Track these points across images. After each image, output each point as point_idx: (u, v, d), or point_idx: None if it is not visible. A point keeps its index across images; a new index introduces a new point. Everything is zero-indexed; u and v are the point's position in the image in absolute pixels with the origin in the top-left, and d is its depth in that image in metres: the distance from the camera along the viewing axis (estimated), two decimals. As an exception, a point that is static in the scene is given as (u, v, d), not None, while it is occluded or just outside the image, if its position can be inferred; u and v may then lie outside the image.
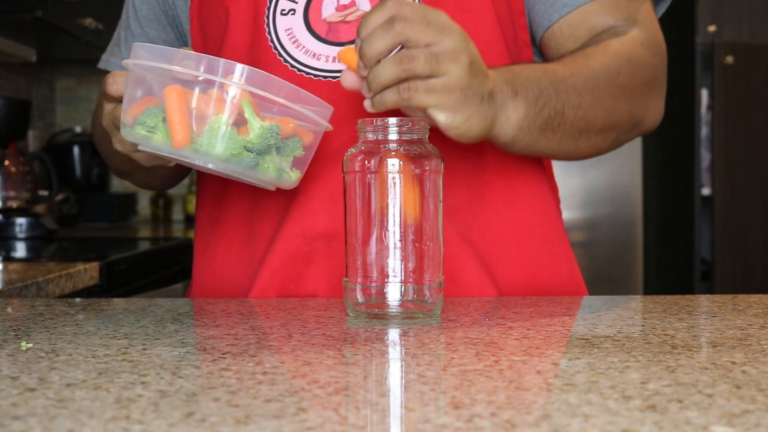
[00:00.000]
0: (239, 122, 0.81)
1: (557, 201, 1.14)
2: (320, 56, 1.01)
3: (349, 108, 0.98)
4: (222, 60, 0.80)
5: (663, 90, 1.05)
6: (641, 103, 1.01)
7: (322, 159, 0.99)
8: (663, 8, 1.12)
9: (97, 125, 1.19)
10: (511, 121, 0.88)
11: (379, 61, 0.80)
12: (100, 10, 2.75)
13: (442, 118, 0.82)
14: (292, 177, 0.86)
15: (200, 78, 0.80)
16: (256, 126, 0.81)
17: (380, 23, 0.80)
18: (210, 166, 0.82)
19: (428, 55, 0.79)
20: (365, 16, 0.81)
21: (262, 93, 0.81)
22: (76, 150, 3.19)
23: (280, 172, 0.85)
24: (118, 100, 0.89)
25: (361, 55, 0.81)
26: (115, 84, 0.88)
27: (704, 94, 3.61)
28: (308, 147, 0.87)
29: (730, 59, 3.49)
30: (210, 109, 0.80)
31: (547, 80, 0.91)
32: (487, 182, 1.03)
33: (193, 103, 0.80)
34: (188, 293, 1.15)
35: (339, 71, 0.99)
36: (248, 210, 1.06)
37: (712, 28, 3.55)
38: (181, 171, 1.15)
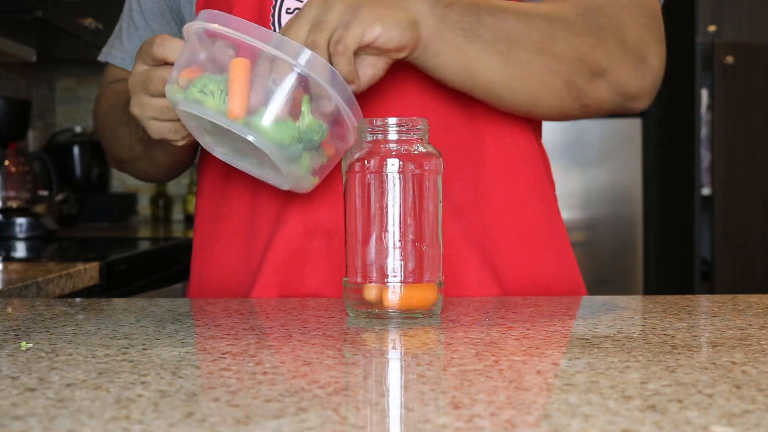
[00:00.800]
0: (293, 113, 0.82)
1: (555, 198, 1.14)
2: None
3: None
4: (296, 43, 0.81)
5: (644, 56, 0.99)
6: (600, 49, 0.96)
7: None
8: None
9: (100, 113, 1.19)
10: (421, 7, 0.88)
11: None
12: (100, 10, 2.76)
13: (377, 30, 0.85)
14: (313, 180, 0.88)
15: (273, 56, 0.80)
16: (308, 119, 0.82)
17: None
18: (251, 139, 0.81)
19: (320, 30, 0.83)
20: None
21: (328, 88, 0.82)
22: (76, 150, 3.19)
23: (308, 172, 0.86)
24: (158, 63, 0.88)
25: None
26: (162, 46, 0.87)
27: (704, 94, 3.61)
28: (332, 157, 0.87)
29: (730, 59, 3.49)
30: (274, 90, 0.80)
31: None
32: (490, 181, 1.03)
33: (258, 81, 0.81)
34: (187, 292, 1.15)
35: None
36: (248, 208, 1.06)
37: (712, 28, 3.55)
38: (182, 161, 1.14)
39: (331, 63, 0.84)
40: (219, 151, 0.91)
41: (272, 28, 1.03)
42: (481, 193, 1.03)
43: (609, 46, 0.97)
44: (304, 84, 0.81)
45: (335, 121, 0.84)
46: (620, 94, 0.99)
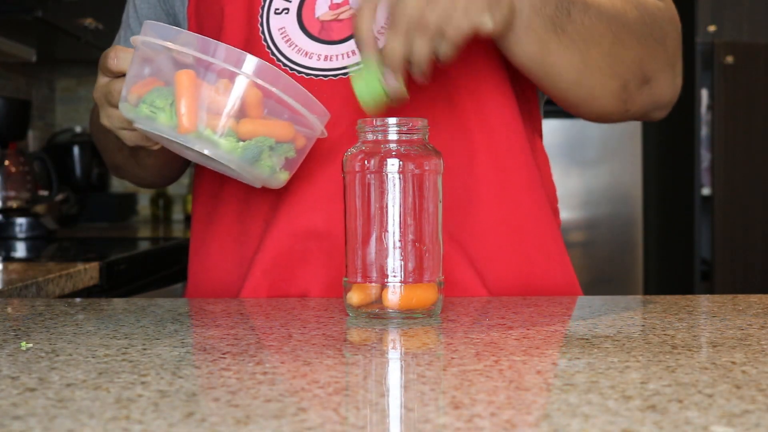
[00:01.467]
0: (239, 116, 0.82)
1: (554, 200, 1.13)
2: (312, 55, 1.02)
3: (341, 107, 0.98)
4: (237, 50, 0.81)
5: (676, 64, 1.03)
6: (650, 56, 0.99)
7: (313, 158, 0.99)
8: None
9: (93, 120, 1.19)
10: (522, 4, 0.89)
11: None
12: (100, 10, 2.76)
13: (488, 23, 0.84)
14: (281, 177, 0.88)
15: (215, 66, 0.80)
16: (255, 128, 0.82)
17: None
18: (206, 152, 0.82)
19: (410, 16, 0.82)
20: (358, 13, 0.83)
21: (273, 89, 0.81)
22: (76, 150, 3.19)
23: (273, 171, 0.86)
24: (116, 75, 0.89)
25: (360, 40, 0.84)
26: (116, 59, 0.88)
27: (704, 94, 3.61)
28: (300, 150, 0.87)
29: (730, 59, 3.49)
30: (221, 99, 0.81)
31: None
32: (479, 181, 1.03)
33: (204, 92, 0.81)
34: (185, 293, 1.15)
35: (331, 69, 1.00)
36: (240, 209, 1.06)
37: (712, 28, 3.55)
38: (171, 162, 1.13)
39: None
40: (189, 155, 0.90)
41: (260, 28, 1.04)
42: (470, 193, 1.03)
43: (659, 56, 1.00)
44: (250, 89, 0.81)
45: (293, 116, 0.84)
46: (655, 102, 1.03)
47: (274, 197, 1.02)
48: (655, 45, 1.00)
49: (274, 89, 0.81)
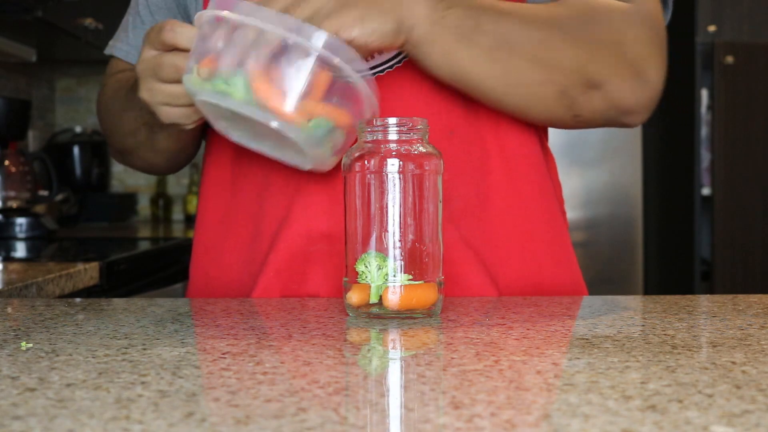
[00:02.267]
0: (316, 97, 0.82)
1: (561, 201, 1.13)
2: None
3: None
4: (309, 26, 0.82)
5: (643, 70, 0.98)
6: (599, 62, 0.95)
7: None
8: (669, 13, 1.09)
9: (103, 102, 1.18)
10: (418, 10, 0.87)
11: None
12: (100, 10, 2.76)
13: (355, 33, 0.83)
14: (332, 161, 0.89)
15: (294, 42, 0.80)
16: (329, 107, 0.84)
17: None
18: (277, 128, 0.82)
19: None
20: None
21: (347, 68, 0.82)
22: (76, 150, 3.19)
23: (331, 153, 0.87)
24: (168, 48, 0.87)
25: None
26: (174, 32, 0.87)
27: (704, 94, 3.61)
28: (350, 135, 0.87)
29: (730, 59, 3.49)
30: (296, 77, 0.81)
31: None
32: (492, 186, 1.03)
33: (282, 71, 0.81)
34: (187, 292, 1.15)
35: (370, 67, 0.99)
36: (254, 210, 1.05)
37: (712, 28, 3.55)
38: (186, 148, 1.12)
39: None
40: (235, 134, 0.90)
41: None
42: (483, 198, 1.03)
43: (607, 58, 0.96)
44: (323, 66, 0.81)
45: (353, 98, 0.85)
46: (615, 107, 0.98)
47: (287, 199, 1.02)
48: (602, 48, 0.95)
49: (346, 69, 0.82)
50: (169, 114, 0.91)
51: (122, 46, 1.20)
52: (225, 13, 0.82)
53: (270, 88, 0.81)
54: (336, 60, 0.81)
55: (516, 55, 0.92)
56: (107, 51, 1.22)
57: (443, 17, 0.89)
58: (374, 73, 0.97)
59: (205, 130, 1.11)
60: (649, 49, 0.99)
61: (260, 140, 0.89)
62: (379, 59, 0.99)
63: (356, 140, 0.87)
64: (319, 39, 0.81)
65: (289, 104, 0.81)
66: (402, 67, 0.92)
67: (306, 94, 0.81)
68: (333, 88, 0.83)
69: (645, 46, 0.98)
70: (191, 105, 0.89)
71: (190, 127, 0.93)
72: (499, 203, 1.03)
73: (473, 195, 1.02)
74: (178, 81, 0.87)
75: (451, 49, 0.90)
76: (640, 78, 0.98)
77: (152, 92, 0.90)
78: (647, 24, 0.99)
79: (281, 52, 0.81)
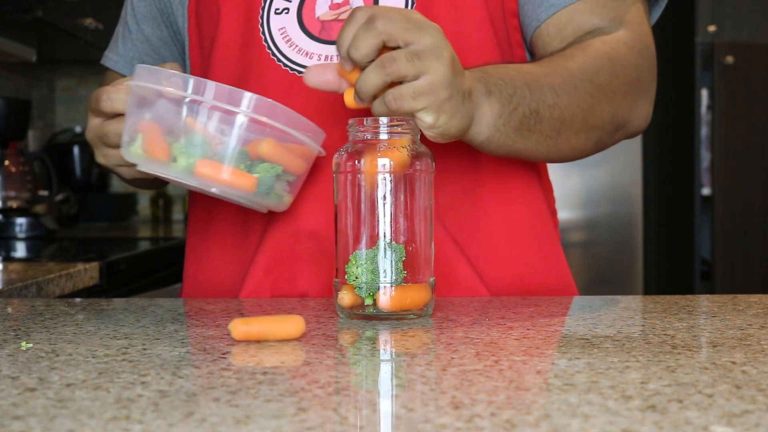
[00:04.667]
0: (250, 157, 0.84)
1: (551, 201, 1.14)
2: (313, 55, 1.02)
3: (339, 108, 0.98)
4: (232, 89, 0.83)
5: (650, 93, 1.04)
6: (624, 105, 1.00)
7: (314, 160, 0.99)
8: (657, 13, 1.11)
9: None
10: (486, 119, 0.87)
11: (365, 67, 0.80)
12: (100, 10, 2.76)
13: (428, 119, 0.81)
14: (286, 201, 0.91)
15: (213, 106, 0.82)
16: (263, 162, 0.85)
17: (361, 23, 0.79)
18: (217, 192, 0.85)
19: (409, 54, 0.78)
20: (346, 21, 0.81)
21: (272, 123, 0.83)
22: (76, 150, 3.19)
23: (281, 197, 0.89)
24: (109, 116, 0.91)
25: (345, 57, 0.81)
26: (110, 100, 0.90)
27: (704, 94, 3.61)
28: (302, 174, 0.90)
29: (730, 59, 3.49)
30: (226, 140, 0.83)
31: (521, 79, 0.90)
32: (481, 183, 1.04)
33: (208, 134, 0.83)
34: (181, 293, 1.15)
35: None
36: (241, 212, 1.06)
37: (712, 28, 3.55)
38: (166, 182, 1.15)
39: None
40: (192, 184, 0.91)
41: (260, 29, 1.04)
42: (471, 196, 1.03)
43: (631, 99, 1.01)
44: (253, 127, 0.83)
45: (293, 140, 0.86)
46: (628, 136, 1.04)
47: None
48: (628, 90, 1.00)
49: (273, 122, 0.83)
50: (128, 173, 0.96)
51: (113, 56, 1.22)
52: (147, 85, 0.84)
53: (203, 156, 0.83)
54: (265, 120, 0.83)
55: (568, 131, 0.95)
56: (102, 61, 1.24)
57: (509, 120, 0.89)
58: None
59: None
60: (653, 74, 1.04)
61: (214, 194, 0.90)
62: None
63: (308, 171, 0.91)
64: (245, 102, 0.82)
65: (225, 171, 0.83)
66: None
67: (240, 153, 0.83)
68: (271, 140, 0.85)
69: (651, 73, 1.04)
70: None
71: (153, 178, 0.94)
72: (487, 200, 1.04)
73: (461, 192, 1.03)
74: None
75: (509, 143, 0.91)
76: (649, 102, 1.04)
77: (107, 157, 0.95)
78: (648, 51, 1.03)
79: (210, 118, 0.83)
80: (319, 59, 1.01)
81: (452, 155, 1.01)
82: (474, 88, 0.85)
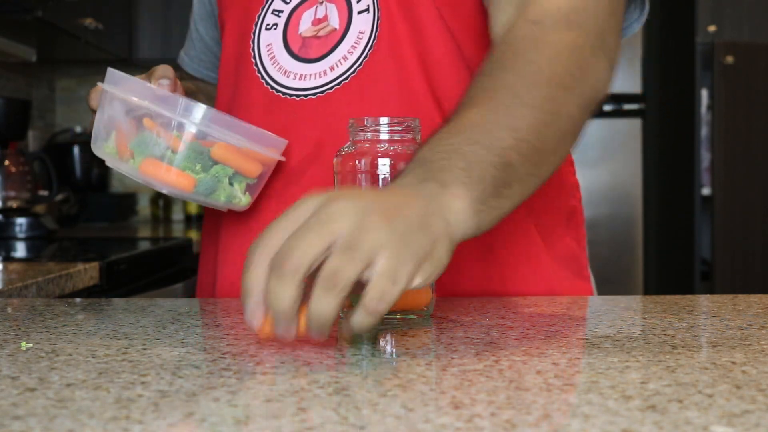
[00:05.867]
0: (196, 160, 0.91)
1: (539, 215, 1.06)
2: (290, 74, 1.02)
3: (310, 128, 1.00)
4: (184, 100, 0.89)
5: (617, 56, 0.89)
6: (596, 88, 0.85)
7: (282, 177, 1.00)
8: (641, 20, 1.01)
9: None
10: (462, 216, 0.69)
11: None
12: (100, 10, 2.76)
13: (420, 279, 0.66)
14: (243, 201, 0.95)
15: (165, 116, 0.90)
16: (207, 168, 0.92)
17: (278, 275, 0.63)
18: (164, 191, 0.93)
19: (345, 252, 0.62)
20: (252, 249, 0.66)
21: (223, 135, 0.90)
22: (76, 150, 3.19)
23: (231, 198, 0.94)
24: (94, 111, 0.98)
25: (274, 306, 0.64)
26: (90, 99, 0.98)
27: (704, 94, 3.61)
28: (261, 175, 0.96)
29: (730, 59, 3.49)
30: (171, 143, 0.90)
31: (467, 140, 0.73)
32: None
33: (157, 134, 0.90)
34: (199, 291, 1.16)
35: (303, 90, 1.01)
36: (245, 213, 1.06)
37: (712, 28, 3.55)
38: None
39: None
40: (142, 182, 0.97)
41: (251, 45, 1.05)
42: None
43: (604, 72, 0.87)
44: (201, 134, 0.90)
45: (249, 145, 0.92)
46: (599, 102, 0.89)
47: (248, 217, 1.03)
48: (601, 61, 0.86)
49: (223, 135, 0.90)
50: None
51: (185, 57, 1.28)
52: (106, 86, 0.93)
53: (149, 156, 0.90)
54: (212, 131, 0.90)
55: (544, 155, 0.78)
56: (177, 61, 1.29)
57: (483, 197, 0.71)
58: (306, 96, 1.02)
59: None
60: (618, 36, 0.91)
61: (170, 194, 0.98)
62: (304, 83, 1.02)
63: (271, 171, 0.97)
64: (195, 114, 0.89)
65: (166, 170, 0.90)
66: (371, 78, 0.95)
67: (196, 157, 0.90)
68: (223, 144, 0.91)
69: (617, 35, 0.91)
70: None
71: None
72: None
73: None
74: None
75: (498, 212, 0.74)
76: (615, 65, 0.89)
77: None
78: (619, 9, 0.91)
79: (160, 123, 0.90)
80: (294, 78, 1.01)
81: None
82: (428, 210, 0.67)
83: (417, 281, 0.65)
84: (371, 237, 0.62)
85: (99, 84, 0.95)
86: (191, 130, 0.89)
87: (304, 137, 0.99)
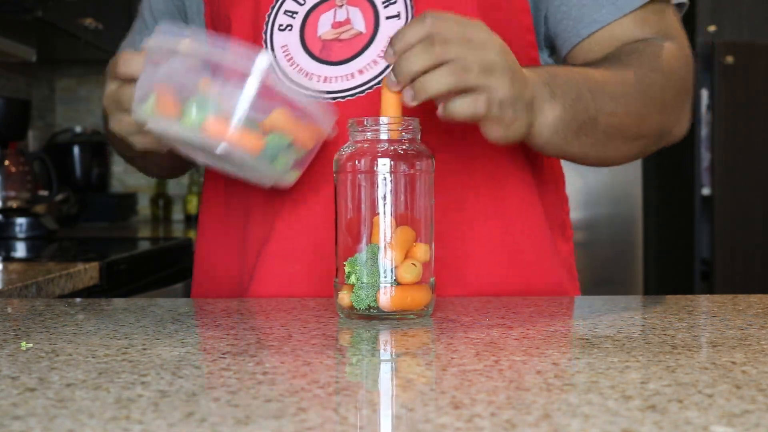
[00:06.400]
0: (259, 119, 0.82)
1: (553, 212, 1.11)
2: (312, 76, 1.00)
3: (338, 130, 0.98)
4: (248, 50, 0.81)
5: (690, 100, 1.05)
6: (673, 115, 1.01)
7: (313, 171, 1.00)
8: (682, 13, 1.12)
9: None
10: (548, 121, 0.88)
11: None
12: (100, 10, 2.75)
13: (494, 133, 0.84)
14: (292, 176, 0.89)
15: (227, 66, 0.81)
16: (274, 124, 0.84)
17: (417, 40, 0.80)
18: (224, 152, 0.83)
19: (480, 67, 0.80)
20: (400, 31, 0.81)
21: (283, 90, 0.82)
22: (76, 150, 3.19)
23: (284, 170, 0.87)
24: (125, 80, 0.89)
25: (397, 71, 0.81)
26: (126, 64, 0.88)
27: (704, 94, 3.61)
28: (311, 150, 0.89)
29: (730, 59, 3.49)
30: (237, 101, 0.81)
31: (585, 84, 0.91)
32: (473, 188, 1.02)
33: (220, 93, 0.81)
34: (193, 292, 1.15)
35: (329, 92, 0.99)
36: (244, 213, 1.06)
37: (712, 28, 3.55)
38: (181, 164, 1.15)
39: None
40: (199, 157, 0.91)
41: (264, 45, 1.02)
42: (461, 202, 1.01)
43: (678, 109, 1.02)
44: (265, 89, 0.82)
45: (304, 115, 0.85)
46: (670, 143, 1.05)
47: (275, 202, 1.02)
48: (677, 101, 1.01)
49: (284, 89, 0.83)
50: (140, 142, 0.93)
51: (130, 50, 1.19)
52: (163, 42, 0.83)
53: (213, 114, 0.82)
54: (280, 83, 0.83)
55: (618, 138, 0.97)
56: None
57: (569, 125, 0.90)
58: (334, 98, 0.99)
59: None
60: (692, 80, 1.04)
61: (221, 162, 0.90)
62: (329, 86, 0.99)
63: (318, 147, 0.89)
64: (259, 63, 0.81)
65: (233, 127, 0.81)
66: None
67: (250, 116, 0.82)
68: (285, 107, 0.84)
69: (691, 80, 1.04)
70: None
71: (164, 151, 0.95)
72: (478, 206, 1.01)
73: (453, 197, 1.01)
74: None
75: (565, 147, 0.93)
76: (689, 108, 1.04)
77: (120, 123, 0.92)
78: (690, 60, 1.04)
79: (225, 78, 0.81)
80: (318, 80, 0.99)
81: (445, 161, 1.00)
82: (537, 94, 0.86)
83: (494, 131, 0.83)
84: (502, 83, 0.81)
85: (148, 41, 0.86)
86: (254, 88, 0.81)
87: (332, 140, 0.98)
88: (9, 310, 0.97)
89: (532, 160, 1.07)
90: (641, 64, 0.98)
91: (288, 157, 0.86)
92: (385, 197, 0.82)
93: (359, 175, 0.83)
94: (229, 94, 0.81)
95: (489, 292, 1.02)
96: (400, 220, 0.83)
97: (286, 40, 1.02)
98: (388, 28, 0.99)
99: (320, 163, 0.97)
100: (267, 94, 0.82)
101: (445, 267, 0.98)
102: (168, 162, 1.11)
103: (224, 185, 1.09)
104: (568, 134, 0.91)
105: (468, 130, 1.00)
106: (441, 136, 1.00)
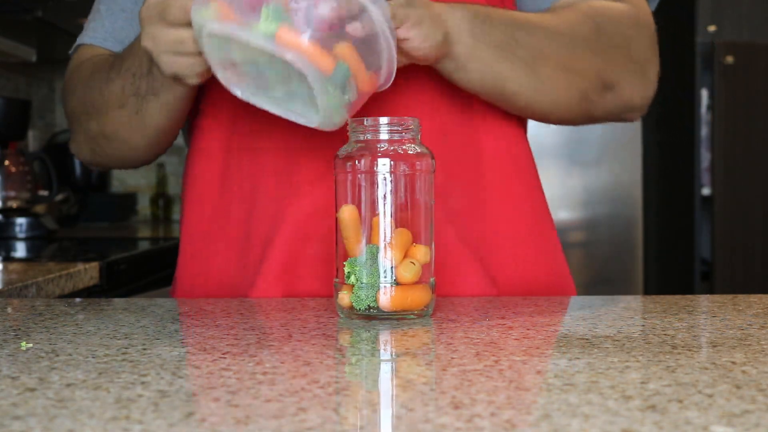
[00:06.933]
0: (335, 39, 0.80)
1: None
2: None
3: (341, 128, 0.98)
4: None
5: (646, 70, 1.05)
6: (610, 66, 1.01)
7: (321, 164, 0.99)
8: (655, 2, 1.13)
9: (78, 83, 1.08)
10: (463, 25, 0.91)
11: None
12: (100, 10, 2.74)
13: (412, 33, 0.86)
14: (341, 116, 0.84)
15: None
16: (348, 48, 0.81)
17: None
18: (289, 57, 0.78)
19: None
20: None
21: (372, 8, 0.81)
22: (76, 150, 3.18)
23: (343, 103, 0.82)
24: None
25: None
26: None
27: (704, 94, 3.61)
28: (364, 93, 0.84)
29: (730, 59, 3.49)
30: (316, 15, 0.78)
31: (497, 8, 0.96)
32: (487, 187, 1.04)
33: (297, 7, 0.78)
34: (172, 293, 1.13)
35: None
36: (246, 213, 1.04)
37: (712, 28, 3.55)
38: (173, 126, 1.04)
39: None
40: (238, 88, 0.85)
41: None
42: (479, 199, 1.03)
43: (620, 62, 1.02)
44: (351, 10, 0.79)
45: (374, 53, 0.82)
46: (624, 106, 1.04)
47: (280, 201, 1.02)
48: (615, 52, 1.02)
49: (377, 15, 0.81)
50: (172, 64, 0.86)
51: (97, 34, 1.12)
52: None
53: (288, 24, 0.78)
54: (369, 6, 0.80)
55: (548, 65, 0.97)
56: (86, 40, 1.13)
57: (483, 32, 0.93)
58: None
59: (190, 121, 1.09)
60: (649, 49, 1.05)
61: (267, 92, 0.84)
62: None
63: (366, 98, 0.85)
64: None
65: (310, 38, 0.78)
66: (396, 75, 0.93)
67: (328, 33, 0.78)
68: (358, 38, 0.80)
69: (646, 47, 1.05)
70: (197, 54, 0.85)
71: (194, 81, 0.88)
72: (494, 203, 1.04)
73: (469, 195, 1.03)
74: (186, 24, 0.83)
75: (492, 62, 0.94)
76: (644, 77, 1.04)
77: (156, 39, 0.85)
78: (645, 26, 1.05)
79: None
80: None
81: (458, 161, 1.02)
82: (443, 9, 0.91)
83: (402, 31, 0.86)
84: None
85: None
86: (333, 8, 0.78)
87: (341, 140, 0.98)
88: (9, 310, 0.97)
89: (529, 148, 1.10)
90: (570, 10, 1.01)
91: (348, 92, 0.82)
92: (384, 197, 0.82)
93: (359, 175, 0.83)
94: (306, 9, 0.78)
95: (508, 279, 1.04)
96: (400, 221, 0.83)
97: None
98: None
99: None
100: (340, 24, 0.79)
101: (466, 262, 1.02)
102: (165, 116, 1.00)
103: (219, 170, 1.05)
104: (488, 46, 0.93)
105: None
106: (450, 136, 1.02)
